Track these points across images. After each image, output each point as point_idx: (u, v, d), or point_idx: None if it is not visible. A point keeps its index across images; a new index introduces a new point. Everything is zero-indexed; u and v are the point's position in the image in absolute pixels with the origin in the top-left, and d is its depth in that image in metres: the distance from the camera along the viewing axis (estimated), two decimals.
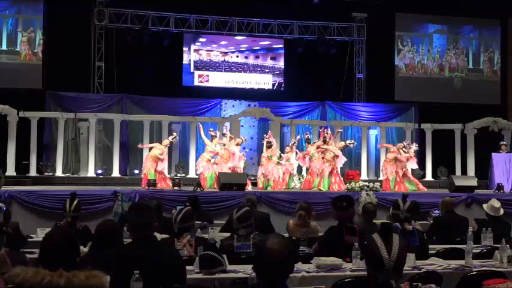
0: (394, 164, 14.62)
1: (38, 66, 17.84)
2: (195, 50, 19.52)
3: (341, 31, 20.33)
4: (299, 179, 15.55)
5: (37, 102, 16.93)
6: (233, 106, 19.02)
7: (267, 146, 14.83)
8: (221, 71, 19.63)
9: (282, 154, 15.23)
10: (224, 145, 14.58)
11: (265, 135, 15.34)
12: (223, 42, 19.75)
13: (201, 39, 19.63)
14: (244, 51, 19.94)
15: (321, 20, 19.96)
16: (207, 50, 19.66)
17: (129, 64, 18.21)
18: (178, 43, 19.36)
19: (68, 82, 17.42)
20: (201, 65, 19.49)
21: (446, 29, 20.62)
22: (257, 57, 20.02)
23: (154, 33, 18.76)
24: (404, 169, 14.62)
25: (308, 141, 15.40)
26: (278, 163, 14.66)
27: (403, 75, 20.36)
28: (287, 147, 15.60)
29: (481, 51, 20.55)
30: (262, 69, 19.99)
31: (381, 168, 17.95)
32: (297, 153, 15.41)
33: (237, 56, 19.87)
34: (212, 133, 14.80)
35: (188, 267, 4.55)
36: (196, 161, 15.62)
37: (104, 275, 3.01)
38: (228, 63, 19.75)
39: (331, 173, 14.36)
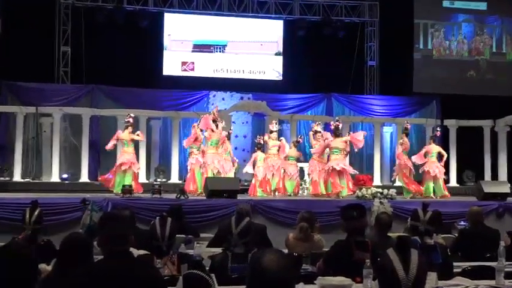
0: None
1: None
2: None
3: (350, 11, 20.36)
4: (301, 184, 15.46)
5: None
6: (223, 99, 19.03)
7: (257, 148, 14.97)
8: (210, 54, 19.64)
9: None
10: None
11: (259, 136, 15.38)
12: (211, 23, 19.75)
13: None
14: (236, 34, 19.92)
15: None
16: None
17: (100, 49, 18.17)
18: (159, 25, 19.34)
19: (28, 71, 17.38)
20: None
21: (473, 19, 20.87)
22: (251, 41, 20.00)
23: (130, 13, 18.76)
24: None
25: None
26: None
27: (437, 58, 20.41)
28: (290, 144, 15.62)
29: (504, 37, 20.89)
30: (257, 56, 19.97)
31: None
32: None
33: (228, 40, 19.87)
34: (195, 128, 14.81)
35: None
36: (179, 164, 15.64)
37: None
38: (218, 47, 19.75)
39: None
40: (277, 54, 20.06)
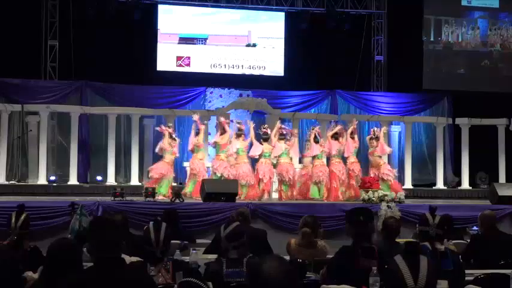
0: None
1: None
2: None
3: (356, 2, 20.34)
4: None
5: None
6: (220, 96, 19.02)
7: (263, 139, 14.82)
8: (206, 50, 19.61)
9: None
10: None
11: (262, 126, 15.27)
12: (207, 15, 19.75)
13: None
14: (235, 27, 19.92)
15: None
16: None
17: (90, 43, 18.16)
18: (152, 17, 19.32)
19: (13, 66, 17.35)
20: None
21: (488, 15, 21.00)
22: (250, 35, 19.99)
23: (121, 5, 18.71)
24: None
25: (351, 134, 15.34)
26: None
27: (450, 50, 20.41)
28: (307, 143, 15.51)
29: None
30: (257, 50, 19.96)
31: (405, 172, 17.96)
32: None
33: (225, 35, 19.86)
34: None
35: None
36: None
37: None
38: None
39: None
40: (278, 48, 20.00)
